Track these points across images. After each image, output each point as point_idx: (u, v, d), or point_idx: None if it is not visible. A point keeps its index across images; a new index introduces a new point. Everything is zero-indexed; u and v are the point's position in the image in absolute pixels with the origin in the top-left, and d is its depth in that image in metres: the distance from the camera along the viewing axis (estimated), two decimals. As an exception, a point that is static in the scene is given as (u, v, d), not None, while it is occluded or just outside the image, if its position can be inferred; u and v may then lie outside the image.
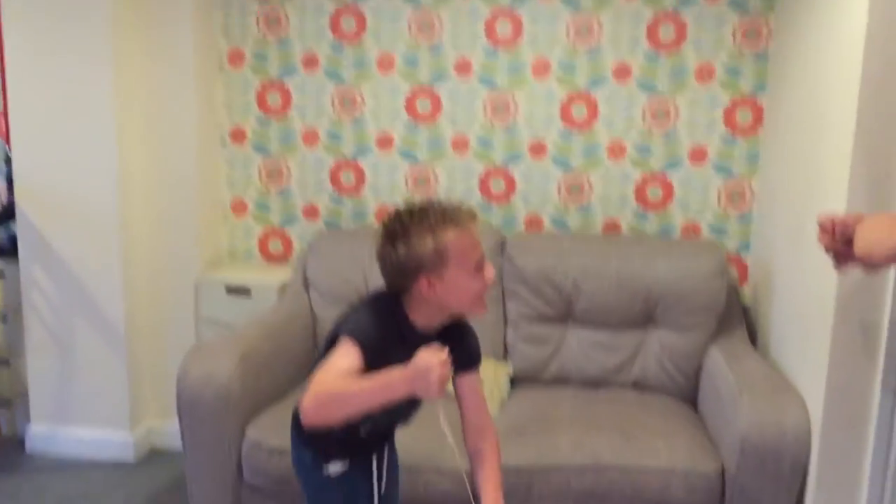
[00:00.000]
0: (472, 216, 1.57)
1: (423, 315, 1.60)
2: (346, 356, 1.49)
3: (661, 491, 2.13)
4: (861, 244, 1.37)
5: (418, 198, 3.05)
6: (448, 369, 1.36)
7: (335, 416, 1.44)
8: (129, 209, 2.99)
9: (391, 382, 1.39)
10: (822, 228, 1.51)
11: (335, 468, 1.71)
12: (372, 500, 1.75)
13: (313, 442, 1.71)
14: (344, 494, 1.73)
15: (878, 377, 1.93)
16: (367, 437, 1.71)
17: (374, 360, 1.48)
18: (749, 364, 2.36)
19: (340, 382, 1.43)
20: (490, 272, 1.58)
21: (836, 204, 1.96)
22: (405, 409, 1.71)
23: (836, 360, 1.97)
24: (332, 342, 1.57)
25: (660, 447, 2.19)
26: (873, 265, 1.39)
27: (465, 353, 1.70)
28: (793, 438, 2.05)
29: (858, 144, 1.88)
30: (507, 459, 2.18)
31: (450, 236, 1.52)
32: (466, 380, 1.73)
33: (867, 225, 1.38)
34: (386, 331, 1.56)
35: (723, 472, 2.14)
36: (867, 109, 1.87)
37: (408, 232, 1.53)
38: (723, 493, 2.13)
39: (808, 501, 2.08)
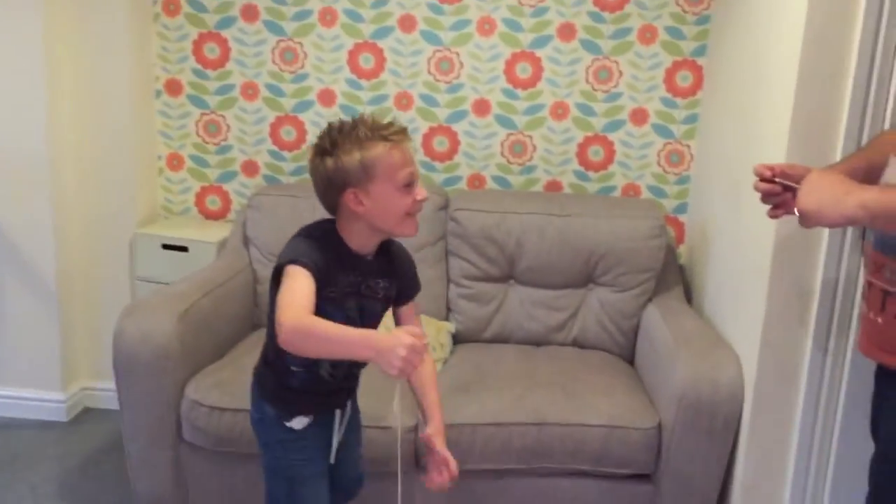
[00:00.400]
0: (402, 133, 1.59)
1: (356, 235, 1.62)
2: (302, 278, 1.49)
3: (601, 446, 2.18)
4: (811, 200, 1.35)
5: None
6: (420, 358, 1.34)
7: (309, 350, 1.45)
8: (60, 162, 2.89)
9: (366, 342, 1.38)
10: (760, 176, 1.53)
11: (300, 423, 1.71)
12: (329, 451, 1.77)
13: (278, 398, 1.71)
14: (302, 447, 1.73)
15: (810, 335, 2.00)
16: (330, 384, 1.71)
17: (322, 283, 1.51)
18: (685, 322, 2.42)
19: (322, 323, 1.42)
20: (421, 192, 1.60)
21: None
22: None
23: (770, 319, 2.02)
24: (277, 277, 1.56)
25: (600, 404, 2.24)
26: (820, 224, 1.40)
27: (404, 283, 1.76)
28: (727, 394, 2.11)
29: (798, 107, 1.92)
30: (451, 417, 2.21)
31: (377, 150, 1.54)
32: (405, 309, 1.80)
33: (818, 182, 1.37)
34: (326, 253, 1.57)
35: (660, 427, 2.20)
36: (807, 73, 1.90)
37: (337, 145, 1.56)
38: (660, 448, 2.19)
39: (740, 455, 2.15)
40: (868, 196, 1.30)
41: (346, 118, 1.62)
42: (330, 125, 1.60)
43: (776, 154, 1.99)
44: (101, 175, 2.98)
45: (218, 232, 3.01)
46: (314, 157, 1.60)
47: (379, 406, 2.17)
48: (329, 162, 1.56)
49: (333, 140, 1.57)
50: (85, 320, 3.06)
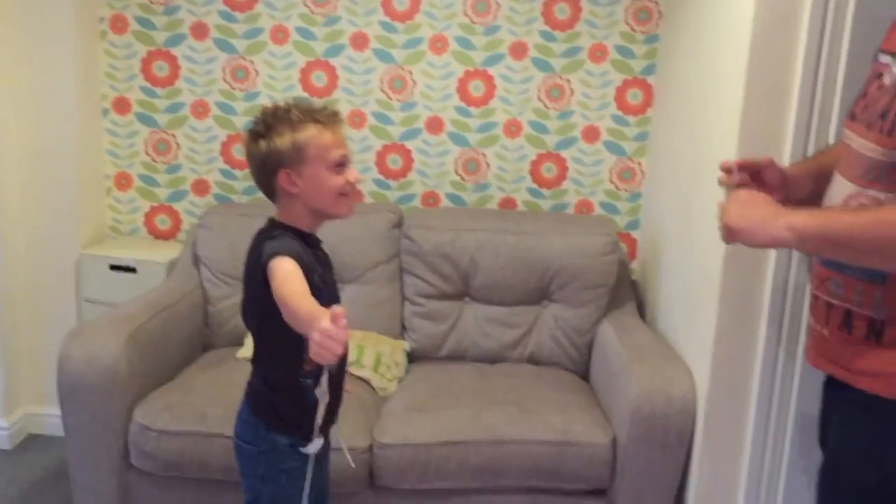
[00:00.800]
0: (334, 116, 1.63)
1: (298, 219, 1.64)
2: (291, 265, 1.49)
3: (556, 462, 2.18)
4: (740, 218, 1.36)
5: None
6: (338, 344, 1.27)
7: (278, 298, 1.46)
8: (2, 179, 2.81)
9: (310, 320, 1.32)
10: (725, 169, 1.54)
11: (315, 446, 1.69)
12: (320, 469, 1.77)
13: (295, 424, 1.67)
14: (305, 472, 1.70)
15: (760, 348, 2.02)
16: (337, 381, 1.70)
17: (306, 272, 1.52)
18: (638, 337, 2.44)
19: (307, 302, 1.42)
20: (353, 174, 1.64)
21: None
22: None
23: (720, 332, 2.05)
24: (253, 279, 1.55)
25: (555, 420, 2.24)
26: (745, 243, 1.40)
27: None
28: (680, 407, 2.13)
29: (745, 122, 1.95)
30: (406, 436, 2.21)
31: (309, 132, 1.58)
32: None
33: (749, 201, 1.37)
34: (297, 241, 1.59)
35: (614, 442, 2.20)
36: (753, 91, 1.94)
37: (270, 128, 1.59)
38: (614, 462, 2.20)
39: (693, 468, 2.17)
40: (797, 219, 1.30)
41: (278, 102, 1.65)
42: (264, 109, 1.64)
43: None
44: (45, 193, 2.90)
45: (167, 252, 2.96)
46: (249, 140, 1.63)
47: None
48: (262, 144, 1.59)
49: (267, 123, 1.60)
50: (29, 343, 2.97)
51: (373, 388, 2.50)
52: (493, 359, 2.72)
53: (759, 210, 1.35)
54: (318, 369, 1.64)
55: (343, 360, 1.71)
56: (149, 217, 3.13)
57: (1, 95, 2.77)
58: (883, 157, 1.29)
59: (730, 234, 1.39)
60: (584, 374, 2.68)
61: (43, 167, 2.89)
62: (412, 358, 2.73)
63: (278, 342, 1.61)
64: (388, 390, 2.51)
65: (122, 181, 3.10)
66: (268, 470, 1.68)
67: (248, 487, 1.72)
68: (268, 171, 1.61)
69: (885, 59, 1.35)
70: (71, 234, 2.94)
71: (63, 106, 2.86)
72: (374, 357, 2.55)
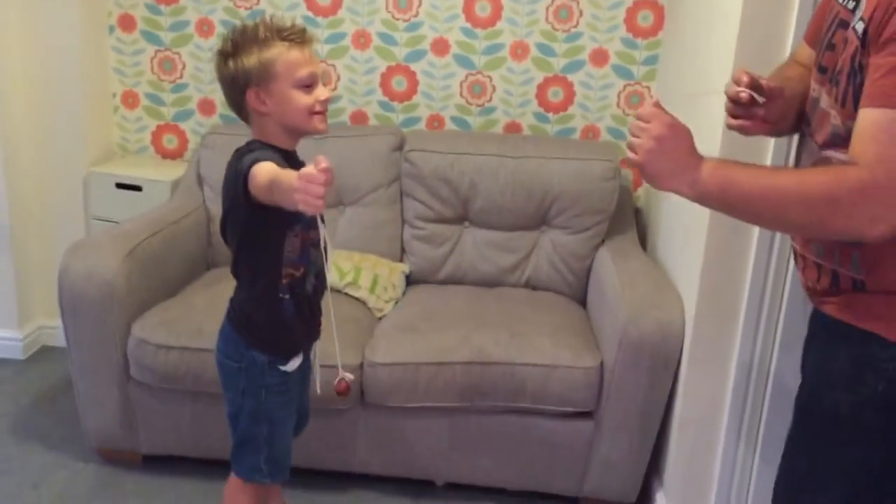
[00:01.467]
0: (302, 33, 1.62)
1: (273, 137, 1.64)
2: (271, 164, 1.49)
3: (542, 385, 2.20)
4: (653, 162, 1.24)
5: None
6: (318, 184, 1.29)
7: (264, 193, 1.46)
8: (9, 98, 2.83)
9: (290, 185, 1.34)
10: (736, 80, 1.43)
11: (293, 364, 1.74)
12: (300, 386, 1.82)
13: (272, 342, 1.71)
14: (286, 389, 1.76)
15: (748, 277, 2.00)
16: (312, 302, 1.74)
17: None
18: (634, 263, 2.43)
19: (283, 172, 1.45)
20: (323, 92, 1.63)
21: (719, 104, 1.98)
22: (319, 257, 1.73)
23: (709, 259, 2.03)
24: (233, 191, 1.55)
25: (544, 343, 2.25)
26: (652, 187, 1.31)
27: None
28: (667, 333, 2.13)
29: (742, 39, 1.90)
30: (395, 356, 2.24)
31: (276, 50, 1.57)
32: None
33: (669, 143, 1.24)
34: (277, 155, 1.59)
35: (602, 367, 2.22)
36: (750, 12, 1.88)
37: (237, 47, 1.59)
38: (601, 386, 2.22)
39: (678, 394, 2.18)
40: (700, 175, 1.22)
41: (248, 21, 1.63)
42: (233, 28, 1.63)
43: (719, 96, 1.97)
44: (52, 111, 2.93)
45: (173, 171, 2.99)
46: (218, 60, 1.62)
47: (322, 344, 2.17)
48: (231, 63, 1.59)
49: (235, 42, 1.59)
50: (40, 259, 3.04)
51: (369, 309, 2.54)
52: (490, 283, 2.73)
53: (671, 157, 1.24)
54: (295, 282, 1.67)
55: (321, 279, 1.74)
56: (156, 136, 3.15)
57: (4, 12, 2.77)
58: (843, 130, 1.22)
59: (636, 168, 1.29)
60: (582, 300, 2.68)
61: (49, 84, 2.91)
62: (411, 281, 2.76)
63: (257, 255, 1.65)
64: (383, 311, 2.55)
65: (129, 100, 3.12)
66: (248, 384, 1.73)
67: (230, 400, 1.77)
68: (237, 91, 1.61)
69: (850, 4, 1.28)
70: (79, 152, 2.97)
71: (67, 21, 2.86)
72: (371, 279, 2.58)
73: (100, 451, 2.47)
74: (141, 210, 2.75)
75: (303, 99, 1.60)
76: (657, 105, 1.27)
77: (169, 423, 2.36)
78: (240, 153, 1.60)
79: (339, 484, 2.39)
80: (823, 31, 1.36)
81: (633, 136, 1.27)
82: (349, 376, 1.76)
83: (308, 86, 1.61)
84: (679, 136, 1.25)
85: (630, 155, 1.27)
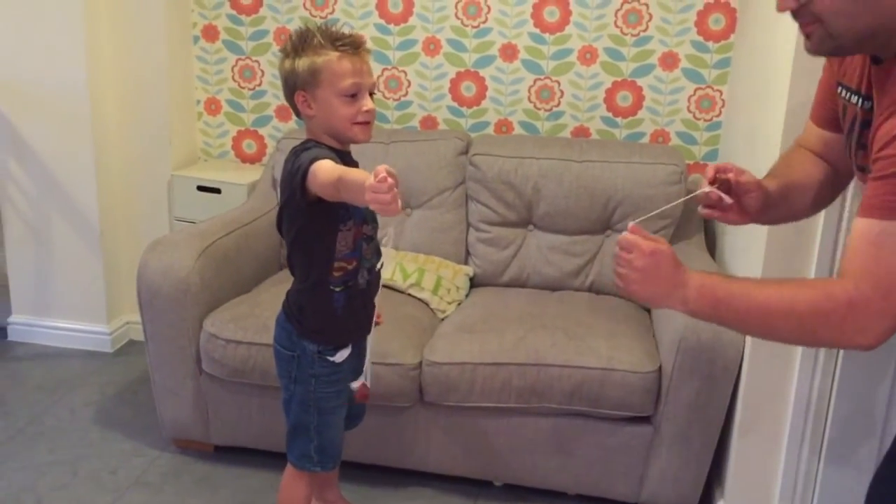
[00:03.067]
0: (355, 44, 1.66)
1: (322, 138, 1.71)
2: (330, 163, 1.57)
3: (598, 388, 2.20)
4: (644, 290, 1.29)
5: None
6: (385, 190, 1.35)
7: (329, 191, 1.55)
8: (100, 104, 3.01)
9: (360, 185, 1.40)
10: (709, 179, 1.46)
11: (342, 355, 1.81)
12: (354, 377, 1.88)
13: (322, 332, 1.79)
14: (336, 379, 1.83)
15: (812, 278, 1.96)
16: (366, 295, 1.80)
17: None
18: (696, 268, 2.38)
19: (347, 169, 1.55)
20: (368, 103, 1.67)
21: (778, 108, 1.95)
22: (372, 252, 1.81)
23: (770, 261, 1.99)
24: (290, 187, 1.63)
25: (600, 347, 2.25)
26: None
27: None
28: (727, 339, 2.10)
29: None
30: (452, 355, 2.28)
31: (326, 58, 1.63)
32: None
33: (653, 269, 1.27)
34: (332, 153, 1.65)
35: (660, 371, 2.20)
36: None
37: (295, 50, 1.66)
38: (659, 391, 2.20)
39: (739, 401, 2.14)
40: (689, 294, 1.26)
41: (311, 24, 1.71)
42: (298, 30, 1.69)
43: (779, 100, 1.94)
44: (140, 117, 3.10)
45: (251, 175, 3.11)
46: (282, 57, 1.70)
47: (384, 343, 2.23)
48: (287, 63, 1.67)
49: (294, 44, 1.67)
50: (127, 258, 3.20)
51: (431, 310, 2.58)
52: (554, 287, 2.74)
53: (659, 282, 1.28)
54: (348, 275, 1.74)
55: (375, 274, 1.80)
56: (236, 141, 3.28)
57: (95, 24, 2.94)
58: None
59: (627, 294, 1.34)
60: (647, 306, 2.66)
61: (137, 92, 3.07)
62: (475, 283, 2.79)
63: (310, 249, 1.72)
64: (446, 312, 2.59)
65: (212, 106, 3.26)
66: (299, 373, 1.80)
67: (284, 387, 1.85)
68: (289, 91, 1.70)
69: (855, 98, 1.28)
70: (164, 157, 3.13)
71: (154, 33, 3.02)
72: (435, 280, 2.63)
73: (174, 440, 2.59)
74: (219, 212, 2.88)
75: (344, 109, 1.65)
76: (635, 231, 1.30)
77: (239, 416, 2.46)
78: (296, 151, 1.68)
79: (396, 480, 2.44)
80: (845, 126, 1.35)
81: (619, 266, 1.31)
82: (361, 383, 1.85)
83: (353, 95, 1.65)
84: (662, 261, 1.28)
85: (619, 284, 1.31)
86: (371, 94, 1.69)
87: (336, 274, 1.73)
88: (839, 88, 1.35)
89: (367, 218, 1.77)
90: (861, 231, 1.15)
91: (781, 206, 1.50)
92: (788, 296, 1.21)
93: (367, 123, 1.69)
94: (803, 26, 1.21)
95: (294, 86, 1.67)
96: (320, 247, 1.72)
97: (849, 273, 1.16)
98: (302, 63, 1.64)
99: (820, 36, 1.19)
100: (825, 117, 1.47)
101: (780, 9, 1.21)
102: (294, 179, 1.61)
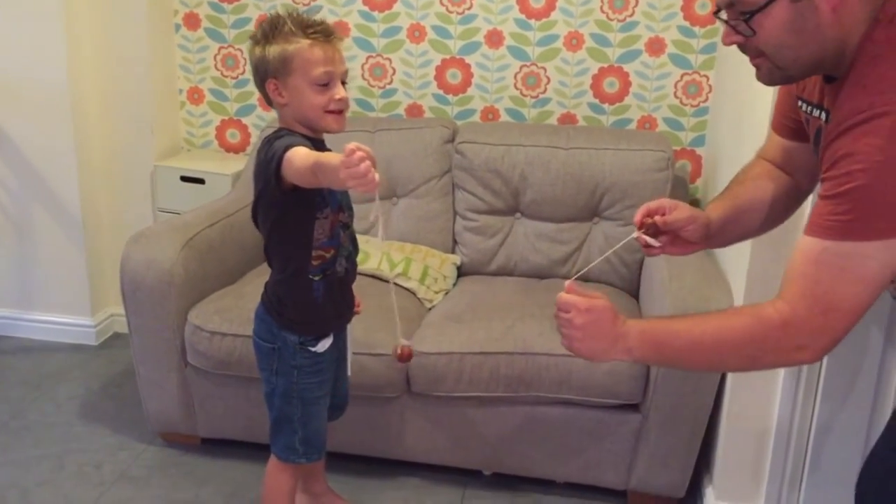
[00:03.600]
0: (326, 32, 1.64)
1: (295, 127, 1.68)
2: (305, 149, 1.54)
3: (586, 376, 2.19)
4: (583, 348, 1.30)
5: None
6: (358, 163, 1.31)
7: (306, 178, 1.51)
8: (81, 94, 2.97)
9: (335, 166, 1.38)
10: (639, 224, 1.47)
11: (323, 345, 1.79)
12: (335, 366, 1.87)
13: (302, 323, 1.77)
14: (318, 370, 1.81)
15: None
16: (344, 283, 1.79)
17: None
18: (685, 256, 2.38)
19: (321, 154, 1.52)
20: (340, 92, 1.64)
21: (766, 92, 1.93)
22: (349, 240, 1.80)
23: (756, 250, 1.99)
24: (264, 176, 1.60)
25: (589, 334, 2.24)
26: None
27: None
28: (715, 327, 2.09)
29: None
30: (440, 345, 2.26)
31: (297, 46, 1.60)
32: None
33: (591, 326, 1.28)
34: (306, 141, 1.63)
35: (648, 359, 2.19)
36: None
37: (266, 37, 1.63)
38: (647, 380, 2.19)
39: (727, 389, 2.14)
40: (631, 343, 1.27)
41: (282, 12, 1.67)
42: (268, 17, 1.67)
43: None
44: (121, 107, 3.06)
45: (235, 165, 3.08)
46: (249, 45, 1.68)
47: (369, 334, 2.22)
48: (257, 51, 1.64)
49: (264, 31, 1.64)
50: (111, 249, 3.17)
51: (419, 300, 2.57)
52: (542, 275, 2.73)
53: (600, 337, 1.29)
54: (326, 264, 1.72)
55: (352, 262, 1.78)
56: (220, 130, 3.25)
57: (74, 13, 2.90)
58: None
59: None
60: (635, 293, 2.65)
61: (119, 82, 3.04)
62: (462, 272, 2.77)
63: (288, 238, 1.70)
64: (433, 302, 2.57)
65: (195, 95, 3.22)
66: (280, 365, 1.79)
67: (265, 380, 1.83)
68: (259, 79, 1.67)
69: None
70: (147, 147, 3.10)
71: (135, 21, 2.98)
72: (421, 270, 2.61)
73: (160, 433, 2.57)
74: (203, 202, 2.85)
75: (316, 97, 1.63)
76: (571, 290, 1.33)
77: (225, 408, 2.44)
78: (269, 139, 1.65)
79: (385, 471, 2.43)
80: (811, 135, 1.33)
81: (561, 326, 1.33)
82: (405, 342, 1.80)
83: (324, 84, 1.63)
84: (599, 317, 1.29)
85: (563, 343, 1.33)
86: (343, 83, 1.67)
87: (314, 263, 1.71)
88: (800, 103, 1.34)
89: (342, 205, 1.75)
90: (803, 249, 1.16)
91: (730, 229, 1.51)
92: (725, 327, 1.22)
93: (339, 112, 1.66)
94: (751, 59, 1.22)
95: (265, 73, 1.65)
96: (298, 236, 1.69)
97: (786, 293, 1.17)
98: (272, 50, 1.61)
99: (768, 68, 1.20)
100: (786, 126, 1.47)
101: (726, 43, 1.22)
102: (269, 168, 1.58)
